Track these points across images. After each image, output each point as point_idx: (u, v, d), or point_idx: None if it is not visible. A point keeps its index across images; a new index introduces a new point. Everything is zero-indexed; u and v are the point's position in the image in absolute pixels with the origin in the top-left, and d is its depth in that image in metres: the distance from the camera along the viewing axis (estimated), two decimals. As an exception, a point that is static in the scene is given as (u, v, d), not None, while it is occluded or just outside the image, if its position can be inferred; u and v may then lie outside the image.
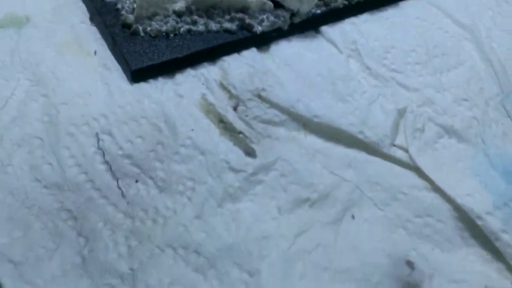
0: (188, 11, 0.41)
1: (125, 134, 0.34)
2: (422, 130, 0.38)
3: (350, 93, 0.39)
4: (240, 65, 0.40)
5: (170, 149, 0.34)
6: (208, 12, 0.41)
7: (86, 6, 0.43)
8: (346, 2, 0.44)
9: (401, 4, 0.47)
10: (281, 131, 0.37)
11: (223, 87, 0.39)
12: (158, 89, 0.38)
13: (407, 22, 0.45)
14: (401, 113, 0.38)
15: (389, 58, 0.42)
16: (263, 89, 0.38)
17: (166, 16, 0.41)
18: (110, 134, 0.34)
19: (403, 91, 0.40)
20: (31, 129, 0.34)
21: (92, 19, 0.42)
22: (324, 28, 0.44)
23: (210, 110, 0.37)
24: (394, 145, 0.37)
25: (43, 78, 0.36)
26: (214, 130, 0.36)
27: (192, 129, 0.35)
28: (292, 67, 0.41)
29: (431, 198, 0.35)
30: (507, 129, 0.39)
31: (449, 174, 0.36)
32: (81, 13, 0.43)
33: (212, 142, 0.35)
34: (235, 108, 0.38)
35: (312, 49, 0.42)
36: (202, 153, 0.34)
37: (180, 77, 0.39)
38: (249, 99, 0.38)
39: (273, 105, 0.38)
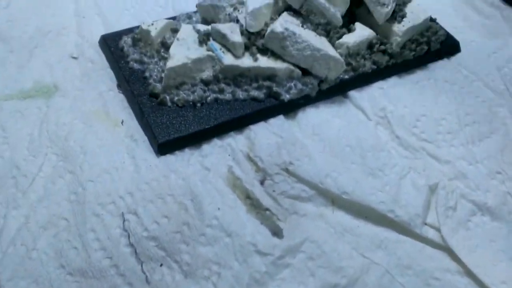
0: (216, 79, 0.41)
1: (151, 213, 0.34)
2: (454, 208, 0.37)
3: (380, 166, 0.38)
4: (267, 135, 0.40)
5: (196, 230, 0.34)
6: (235, 80, 0.41)
7: (114, 73, 0.43)
8: (375, 67, 0.44)
9: (430, 66, 0.46)
10: (308, 206, 0.37)
11: (249, 159, 0.38)
12: (185, 162, 0.38)
13: (436, 86, 0.45)
14: (433, 189, 0.37)
15: (419, 127, 0.41)
16: (291, 163, 0.38)
17: (194, 85, 0.41)
18: (135, 213, 0.34)
19: (434, 163, 0.39)
20: (58, 209, 0.34)
21: (119, 86, 0.42)
22: (352, 93, 0.43)
23: (236, 185, 0.37)
24: (425, 224, 0.36)
25: (71, 153, 0.37)
26: (240, 207, 0.36)
27: (219, 208, 0.35)
28: (320, 136, 0.40)
29: (465, 284, 0.33)
30: (543, 205, 0.38)
31: (483, 256, 0.35)
32: (109, 79, 0.43)
33: (238, 222, 0.35)
34: (262, 182, 0.37)
35: (340, 116, 0.42)
36: (229, 234, 0.34)
37: (206, 147, 0.39)
38: (277, 173, 0.37)
39: (300, 180, 0.37)
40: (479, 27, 0.50)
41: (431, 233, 0.36)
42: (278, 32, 0.40)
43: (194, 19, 0.46)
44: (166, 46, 0.42)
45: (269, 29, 0.41)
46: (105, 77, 0.43)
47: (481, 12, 0.51)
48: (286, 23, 0.40)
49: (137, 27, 0.44)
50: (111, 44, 0.44)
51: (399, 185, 0.37)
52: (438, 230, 0.36)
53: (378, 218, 0.36)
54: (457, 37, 0.48)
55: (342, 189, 0.37)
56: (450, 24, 0.50)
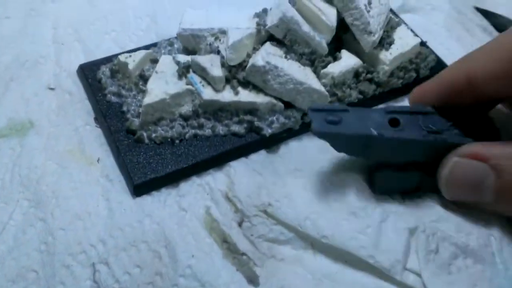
0: (195, 114, 0.40)
1: (123, 263, 0.33)
2: (436, 252, 0.35)
3: (363, 206, 0.37)
4: (247, 172, 0.39)
5: (169, 281, 0.33)
6: (216, 115, 0.40)
7: (92, 105, 0.42)
8: (361, 96, 0.42)
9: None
10: (287, 250, 0.36)
11: (228, 199, 0.37)
12: (161, 203, 0.37)
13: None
14: (413, 232, 0.36)
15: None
16: (270, 204, 0.37)
17: (172, 120, 0.40)
18: (107, 263, 0.33)
19: (415, 205, 0.38)
20: (27, 261, 0.33)
21: (97, 119, 0.41)
22: (337, 125, 0.42)
23: (214, 228, 0.36)
24: (406, 269, 0.35)
25: (43, 198, 0.36)
26: (216, 252, 0.35)
27: (193, 255, 0.34)
28: (303, 172, 0.39)
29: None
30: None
31: (466, 304, 0.34)
32: (86, 112, 0.42)
33: (213, 270, 0.34)
34: (240, 224, 0.36)
35: (323, 150, 0.40)
36: (203, 284, 0.33)
37: (184, 186, 0.38)
38: (255, 215, 0.37)
39: (279, 222, 0.36)
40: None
41: (411, 279, 0.34)
42: (259, 66, 0.39)
43: (176, 46, 0.44)
44: (144, 78, 0.41)
45: (250, 63, 0.39)
46: (82, 110, 0.42)
47: (474, 35, 0.49)
48: (268, 55, 0.39)
49: (117, 55, 0.43)
50: (88, 75, 0.43)
51: (379, 227, 0.36)
52: (419, 275, 0.35)
53: (358, 263, 0.35)
54: (450, 59, 0.46)
55: (322, 232, 0.36)
56: (443, 45, 0.48)
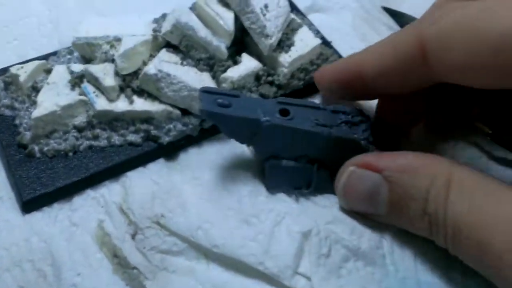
0: (90, 125, 0.39)
1: (6, 284, 0.33)
2: (327, 255, 0.36)
3: (256, 212, 0.37)
4: (143, 182, 0.38)
5: (53, 300, 0.32)
6: (111, 125, 0.39)
7: (-14, 119, 0.41)
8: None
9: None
10: (180, 261, 0.35)
11: (122, 211, 0.37)
12: (51, 219, 0.36)
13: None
14: (306, 236, 0.36)
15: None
16: (162, 215, 0.36)
17: (66, 132, 0.39)
18: (-11, 285, 0.32)
19: (312, 207, 0.38)
20: None
21: (-9, 133, 0.40)
22: (239, 129, 0.42)
23: (105, 242, 0.36)
24: (297, 274, 0.35)
25: None
26: (106, 268, 0.34)
27: (79, 273, 0.33)
28: (200, 180, 0.39)
29: None
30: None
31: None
32: (-19, 128, 0.41)
33: (100, 286, 0.33)
34: (133, 237, 0.36)
35: (222, 155, 0.40)
36: (87, 302, 0.33)
37: (77, 200, 0.37)
38: (148, 227, 0.36)
39: (172, 233, 0.36)
40: (378, 48, 0.48)
41: (301, 283, 0.35)
42: (151, 74, 0.38)
43: (75, 54, 0.43)
44: (37, 90, 0.40)
45: (142, 72, 0.39)
46: (-22, 125, 0.41)
47: (380, 34, 0.49)
48: (160, 63, 0.39)
49: (14, 65, 0.42)
50: (-18, 87, 0.42)
51: (272, 233, 0.36)
52: (309, 279, 0.35)
53: (249, 271, 0.35)
54: (354, 59, 0.47)
55: (213, 242, 0.35)
56: (348, 44, 0.48)
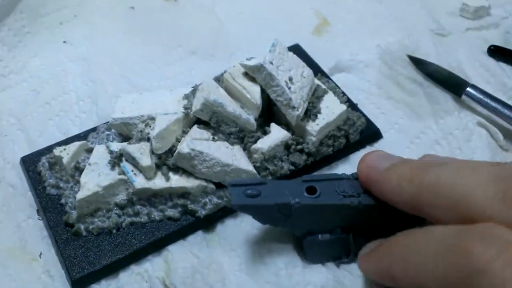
0: (130, 202, 0.41)
1: None
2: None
3: (292, 286, 0.38)
4: (184, 256, 0.40)
5: None
6: (150, 201, 0.41)
7: (34, 198, 0.43)
8: (293, 167, 0.44)
9: (351, 157, 0.46)
10: (222, 335, 0.37)
11: (166, 286, 0.39)
12: (100, 296, 0.38)
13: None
14: (344, 306, 0.37)
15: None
16: (204, 291, 0.38)
17: (108, 210, 0.41)
18: None
19: (349, 278, 0.39)
20: None
21: (39, 212, 0.43)
22: (272, 197, 0.43)
23: (151, 318, 0.37)
24: None
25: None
26: None
27: None
28: (237, 252, 0.40)
29: None
30: None
31: None
32: (29, 206, 0.43)
33: None
34: (176, 311, 0.38)
35: (258, 226, 0.42)
36: None
37: (123, 276, 0.39)
38: (190, 302, 0.38)
39: (213, 307, 0.38)
40: (403, 107, 0.50)
41: None
42: (184, 153, 0.40)
43: (113, 130, 0.46)
44: (80, 170, 0.42)
45: (176, 151, 0.41)
46: (25, 204, 0.43)
47: (404, 88, 0.51)
48: (193, 142, 0.41)
49: (58, 144, 0.45)
50: (29, 167, 0.44)
51: (311, 307, 0.37)
52: None
53: None
54: (380, 119, 0.48)
55: (253, 316, 0.37)
56: (374, 104, 0.50)
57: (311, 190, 0.37)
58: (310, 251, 0.39)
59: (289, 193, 0.37)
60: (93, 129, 0.47)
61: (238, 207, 0.36)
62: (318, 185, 0.37)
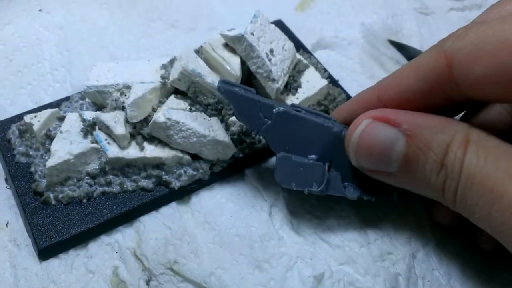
0: (102, 171, 0.40)
1: (24, 335, 0.33)
2: (340, 299, 0.36)
3: (267, 258, 0.38)
4: (156, 227, 0.39)
5: None
6: (123, 171, 0.40)
7: (2, 167, 0.42)
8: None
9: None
10: (194, 307, 0.36)
11: (136, 257, 0.38)
12: (68, 267, 0.37)
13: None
14: (319, 279, 0.37)
15: (316, 206, 0.41)
16: (176, 262, 0.37)
17: (79, 179, 0.40)
18: (8, 336, 0.33)
19: (325, 248, 0.38)
20: None
21: (7, 181, 0.41)
22: (249, 171, 0.43)
23: (120, 289, 0.36)
24: (310, 319, 0.35)
25: None
26: (122, 315, 0.35)
27: (95, 323, 0.34)
28: (211, 224, 0.39)
29: None
30: (434, 286, 0.37)
31: None
32: (-3, 174, 0.42)
33: (116, 335, 0.34)
34: (147, 283, 0.37)
35: (233, 199, 0.41)
36: None
37: (93, 246, 0.38)
38: (162, 273, 0.37)
39: (185, 279, 0.37)
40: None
41: (315, 330, 0.35)
42: (160, 122, 0.39)
43: (87, 100, 0.44)
44: (51, 138, 0.41)
45: (152, 120, 0.40)
46: (-7, 172, 0.42)
47: (387, 69, 0.50)
48: (169, 111, 0.39)
49: (29, 112, 0.43)
50: (-1, 135, 0.43)
51: (284, 278, 0.37)
52: (322, 325, 0.35)
53: (261, 317, 0.35)
54: (361, 96, 0.47)
55: (226, 288, 0.36)
56: (356, 82, 0.49)
57: (297, 110, 0.37)
58: (281, 169, 0.37)
59: (275, 103, 0.36)
60: (66, 98, 0.45)
61: (223, 90, 0.36)
62: (305, 111, 0.37)
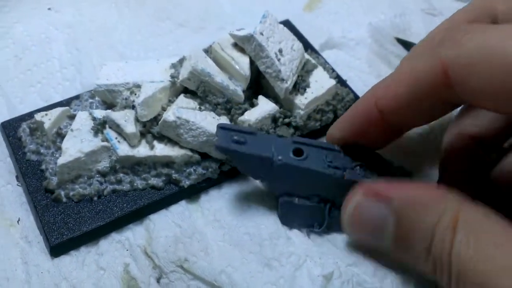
0: (113, 169, 0.40)
1: (36, 331, 0.34)
2: (348, 299, 0.36)
3: (276, 256, 0.38)
4: (166, 225, 0.39)
5: None
6: (133, 169, 0.41)
7: (13, 164, 0.42)
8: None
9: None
10: (204, 304, 0.36)
11: (147, 255, 0.38)
12: (79, 263, 0.37)
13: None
14: (328, 279, 0.37)
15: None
16: (186, 259, 0.37)
17: (90, 177, 0.40)
18: (21, 332, 0.34)
19: (332, 249, 0.38)
20: None
21: (18, 178, 0.42)
22: (257, 170, 0.43)
23: (131, 286, 0.37)
24: (320, 318, 0.36)
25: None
26: (133, 313, 0.35)
27: (107, 319, 0.35)
28: (220, 222, 0.40)
29: None
30: None
31: None
32: (8, 172, 0.42)
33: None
34: (158, 280, 0.37)
35: (241, 198, 0.41)
36: None
37: (104, 244, 0.39)
38: (172, 271, 0.37)
39: (196, 277, 0.37)
40: (392, 85, 0.49)
41: (325, 329, 0.35)
42: (170, 121, 0.39)
43: (97, 98, 0.45)
44: (62, 136, 0.41)
45: (162, 119, 0.40)
46: (4, 170, 0.42)
47: (395, 68, 0.50)
48: (179, 110, 0.40)
49: (39, 110, 0.44)
50: (9, 133, 0.43)
51: (293, 277, 0.37)
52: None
53: (271, 315, 0.36)
54: (369, 96, 0.48)
55: (236, 286, 0.36)
56: (364, 82, 0.49)
57: (298, 152, 0.37)
58: (284, 212, 0.38)
59: (274, 149, 0.36)
60: (76, 97, 0.46)
61: (221, 150, 0.36)
62: (306, 149, 0.37)
